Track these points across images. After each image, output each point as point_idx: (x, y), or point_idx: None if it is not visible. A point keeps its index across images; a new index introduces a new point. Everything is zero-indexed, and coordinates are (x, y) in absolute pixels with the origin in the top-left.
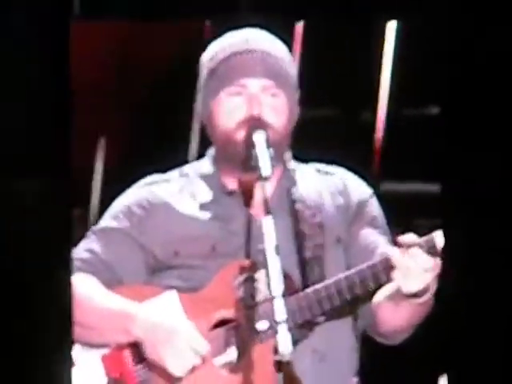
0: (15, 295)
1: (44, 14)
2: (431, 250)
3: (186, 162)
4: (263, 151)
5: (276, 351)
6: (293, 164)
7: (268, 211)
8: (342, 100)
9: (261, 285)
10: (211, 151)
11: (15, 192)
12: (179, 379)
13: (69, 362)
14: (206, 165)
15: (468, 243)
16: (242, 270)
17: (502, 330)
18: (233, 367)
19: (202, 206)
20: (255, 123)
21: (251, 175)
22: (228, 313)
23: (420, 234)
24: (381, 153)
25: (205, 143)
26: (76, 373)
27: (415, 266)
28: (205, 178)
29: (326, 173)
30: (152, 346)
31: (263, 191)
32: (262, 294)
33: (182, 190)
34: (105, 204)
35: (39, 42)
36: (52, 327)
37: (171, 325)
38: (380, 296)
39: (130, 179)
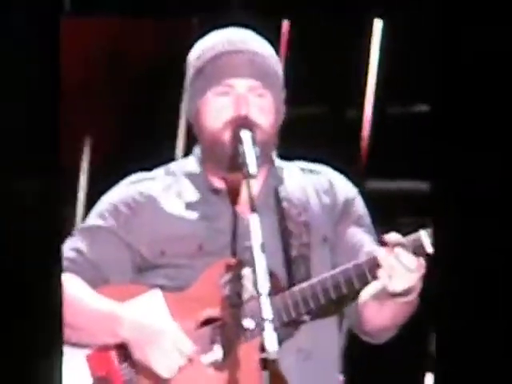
0: (9, 296)
1: (34, 10)
2: (416, 250)
3: (171, 160)
4: (249, 149)
5: (262, 349)
6: (279, 162)
7: (254, 209)
8: (328, 98)
9: (247, 283)
10: (197, 150)
11: (9, 192)
12: (165, 378)
13: (59, 361)
14: (192, 163)
15: (457, 242)
16: (229, 268)
17: (489, 329)
18: (219, 365)
19: (189, 205)
20: (242, 123)
21: (238, 174)
22: (214, 311)
23: (405, 233)
24: (367, 151)
25: (191, 141)
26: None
27: (400, 266)
28: (191, 176)
29: (311, 171)
30: (138, 348)
31: (249, 189)
32: (248, 292)
33: (168, 189)
34: (91, 202)
35: (30, 39)
36: (46, 328)
37: (157, 326)
38: (365, 295)
39: (115, 177)
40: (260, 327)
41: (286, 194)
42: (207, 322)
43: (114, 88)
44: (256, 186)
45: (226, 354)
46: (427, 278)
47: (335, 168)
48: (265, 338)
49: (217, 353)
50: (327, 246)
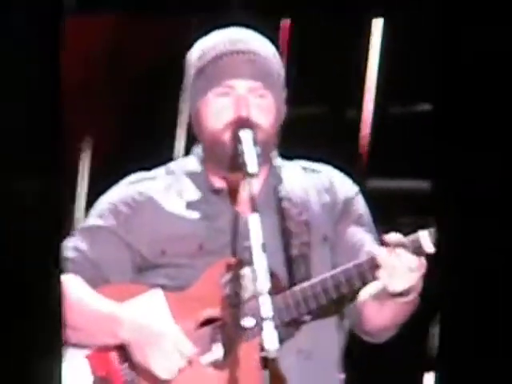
0: (9, 295)
1: (35, 9)
2: (417, 250)
3: (171, 159)
4: (250, 148)
5: (262, 349)
6: (279, 162)
7: (254, 209)
8: (328, 98)
9: (247, 283)
10: (197, 149)
11: (9, 192)
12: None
13: (59, 362)
14: (192, 163)
15: (459, 241)
16: (229, 268)
17: (490, 329)
18: (219, 365)
19: (189, 205)
20: (243, 124)
21: (238, 173)
22: (214, 311)
23: (406, 233)
24: (367, 150)
25: (191, 141)
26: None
27: (401, 266)
28: (191, 176)
29: (313, 170)
30: (139, 349)
31: (250, 189)
32: (248, 291)
33: (168, 188)
34: (91, 202)
35: (30, 38)
36: (46, 328)
37: (157, 328)
38: (365, 295)
39: (115, 177)
40: (260, 326)
41: (287, 193)
42: (207, 321)
43: (114, 88)
44: (256, 185)
45: (226, 354)
46: (428, 278)
47: (336, 167)
48: (265, 337)
49: (217, 352)
50: (327, 246)
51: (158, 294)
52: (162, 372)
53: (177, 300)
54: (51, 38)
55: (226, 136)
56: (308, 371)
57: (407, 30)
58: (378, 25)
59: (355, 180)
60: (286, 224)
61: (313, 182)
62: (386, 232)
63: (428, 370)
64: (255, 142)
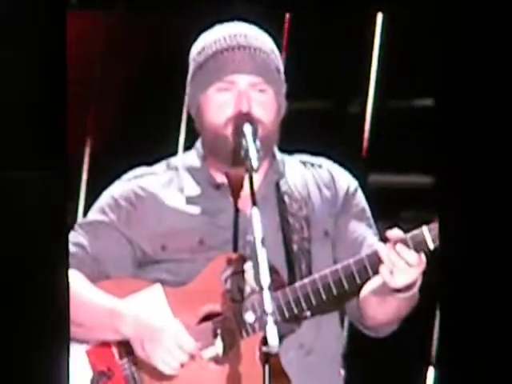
0: (15, 290)
1: (39, 5)
2: (417, 246)
3: (173, 154)
4: (251, 144)
5: (263, 344)
6: (279, 157)
7: (255, 203)
8: (330, 92)
9: (248, 278)
10: (198, 144)
11: (11, 184)
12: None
13: (66, 356)
14: (193, 158)
15: (462, 236)
16: (230, 263)
17: (493, 323)
18: (220, 360)
19: (190, 200)
20: (244, 119)
21: (239, 168)
22: (215, 306)
23: (407, 228)
24: (369, 145)
25: (191, 136)
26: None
27: (401, 262)
28: (192, 171)
29: (312, 165)
30: (141, 345)
31: (251, 184)
32: (249, 286)
33: (169, 184)
34: (92, 197)
35: (35, 32)
36: (52, 322)
37: (159, 323)
38: (366, 290)
39: (117, 172)
40: (261, 322)
41: (287, 187)
42: (208, 316)
43: (116, 83)
44: (257, 180)
45: (227, 349)
46: (430, 272)
47: (337, 162)
48: (266, 332)
49: (218, 347)
50: (328, 240)
51: (159, 289)
52: (164, 367)
53: (177, 295)
54: (56, 34)
55: (227, 131)
56: (309, 367)
57: (408, 25)
58: (379, 19)
59: (356, 175)
60: (287, 219)
61: (313, 176)
62: (388, 227)
63: (430, 364)
64: (256, 137)
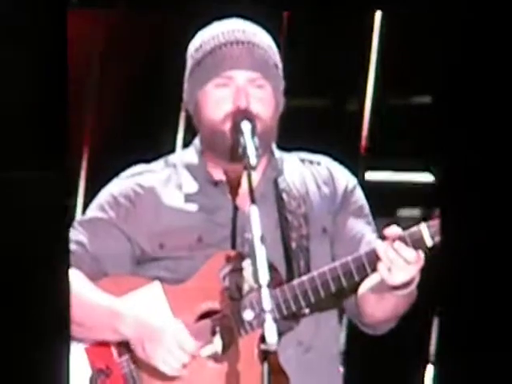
0: (12, 289)
1: (40, 2)
2: (416, 243)
3: (171, 151)
4: (249, 140)
5: (261, 341)
6: (278, 154)
7: (254, 201)
8: (329, 89)
9: (247, 275)
10: (196, 141)
11: (11, 184)
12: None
13: (66, 356)
14: (191, 155)
15: (462, 232)
16: (228, 260)
17: (491, 321)
18: (218, 358)
19: (188, 197)
20: (242, 115)
21: (238, 165)
22: (214, 304)
23: (406, 226)
24: (367, 143)
25: (190, 133)
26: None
27: (400, 259)
28: (190, 168)
29: (311, 162)
30: (141, 346)
31: (249, 181)
32: (247, 284)
33: (167, 181)
34: (91, 195)
35: (35, 31)
36: (50, 322)
37: (159, 324)
38: (364, 287)
39: (115, 169)
40: (260, 319)
41: (286, 185)
42: (207, 314)
43: (114, 81)
44: (255, 177)
45: (225, 347)
46: (429, 270)
47: (335, 159)
48: (264, 330)
49: (216, 345)
50: (327, 238)
51: (158, 286)
52: (165, 368)
53: (176, 292)
54: (56, 33)
55: (226, 127)
56: (307, 364)
57: (406, 23)
58: (378, 17)
59: (355, 173)
60: (285, 216)
61: (312, 174)
62: (386, 225)
63: (429, 362)
64: (254, 134)
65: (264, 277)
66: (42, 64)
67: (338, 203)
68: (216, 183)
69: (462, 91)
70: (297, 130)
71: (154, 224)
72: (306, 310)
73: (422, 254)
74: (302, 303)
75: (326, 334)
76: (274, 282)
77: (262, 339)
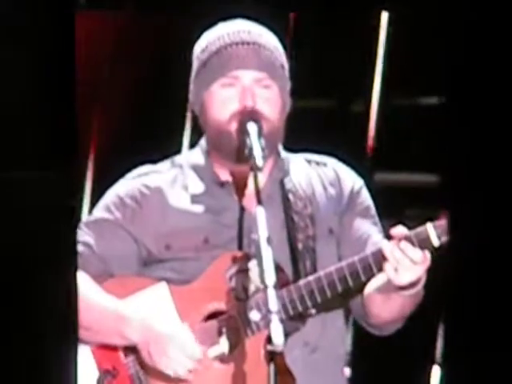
0: (12, 290)
1: (48, 5)
2: (422, 243)
3: (177, 152)
4: (256, 141)
5: (268, 342)
6: (284, 154)
7: (260, 202)
8: (335, 90)
9: (253, 276)
10: (203, 142)
11: (12, 184)
12: None
13: (74, 357)
14: (197, 155)
15: (469, 234)
16: (235, 261)
17: (498, 322)
18: (225, 358)
19: (194, 198)
20: (248, 115)
21: (244, 166)
22: (220, 304)
23: (412, 226)
24: (374, 143)
25: (197, 133)
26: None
27: (406, 259)
28: (197, 169)
29: (318, 163)
30: (146, 351)
31: (256, 182)
32: (254, 285)
33: (174, 182)
34: (97, 195)
35: (43, 32)
36: (57, 321)
37: (165, 330)
38: (371, 288)
39: (122, 170)
40: (266, 320)
41: (292, 186)
42: (213, 315)
43: (121, 82)
44: (262, 178)
45: (232, 347)
46: (435, 270)
47: (341, 160)
48: (271, 331)
49: (223, 346)
50: (333, 238)
51: (164, 287)
52: (170, 373)
53: (182, 293)
54: (65, 35)
55: (232, 127)
56: (314, 364)
57: (412, 24)
58: (383, 18)
59: (362, 173)
60: (292, 217)
61: (318, 174)
62: (393, 225)
63: (435, 363)
64: (261, 135)
65: (270, 278)
66: (47, 64)
67: (345, 204)
68: (222, 184)
69: (468, 91)
70: (303, 130)
71: (160, 225)
72: (313, 311)
73: (428, 254)
74: (309, 303)
75: (332, 335)
76: (281, 283)
77: (269, 340)
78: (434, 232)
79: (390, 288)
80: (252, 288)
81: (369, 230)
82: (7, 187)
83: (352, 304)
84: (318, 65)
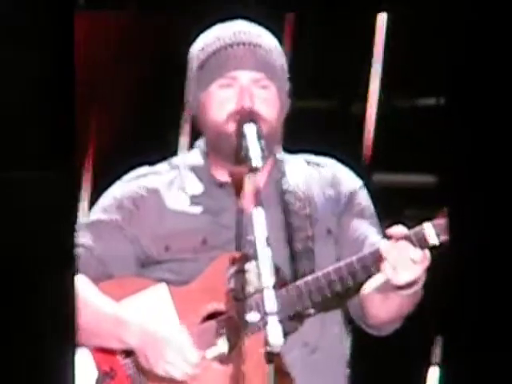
0: (17, 292)
1: (47, 5)
2: (421, 242)
3: (175, 153)
4: (254, 142)
5: (266, 343)
6: (283, 155)
7: (258, 202)
8: (334, 92)
9: (252, 277)
10: (201, 143)
11: (12, 184)
12: None
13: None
14: (195, 157)
15: (468, 234)
16: (233, 262)
17: (497, 322)
18: (224, 359)
19: (193, 199)
20: (246, 115)
21: (242, 167)
22: (219, 305)
23: (411, 226)
24: (373, 144)
25: (195, 134)
26: None
27: (404, 258)
28: (195, 170)
29: (316, 164)
30: (144, 356)
31: (254, 183)
32: (252, 286)
33: (172, 183)
34: (95, 197)
35: (43, 32)
36: (57, 325)
37: (163, 334)
38: (369, 288)
39: (121, 172)
40: (264, 321)
41: (290, 186)
42: (212, 315)
43: (122, 84)
44: (260, 178)
45: (230, 348)
46: (434, 269)
47: (340, 161)
48: (269, 332)
49: (222, 346)
50: (331, 239)
51: (163, 288)
52: (167, 376)
53: (181, 294)
54: (64, 35)
55: (230, 127)
56: (313, 365)
57: (412, 25)
58: (382, 19)
59: (360, 174)
60: (290, 218)
61: (316, 175)
62: (391, 226)
63: (433, 363)
64: (259, 136)
65: (269, 278)
66: (46, 64)
67: (343, 205)
68: (221, 185)
69: (467, 92)
70: (302, 131)
71: (158, 226)
72: (311, 311)
73: (427, 253)
74: (307, 303)
75: (331, 335)
76: (279, 284)
77: (267, 341)
78: (433, 231)
79: (388, 288)
80: (251, 289)
81: (367, 230)
82: (7, 187)
83: (350, 304)
84: (317, 65)
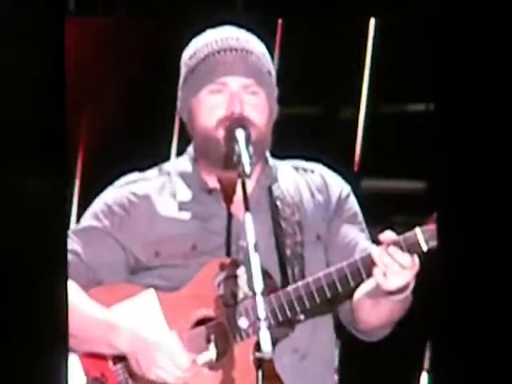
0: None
1: (39, 9)
2: (411, 248)
3: (166, 159)
4: (244, 148)
5: (256, 349)
6: (272, 161)
7: (248, 208)
8: (322, 97)
9: (241, 283)
10: (190, 149)
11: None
12: None
13: (64, 363)
14: (185, 163)
15: (458, 239)
16: (223, 268)
17: (487, 328)
18: (213, 365)
19: (182, 205)
20: (236, 121)
21: (231, 173)
22: (208, 311)
23: (400, 232)
24: (361, 150)
25: (184, 140)
26: None
27: (395, 264)
28: (184, 176)
29: (305, 170)
30: (135, 360)
31: (243, 189)
32: (242, 291)
33: (161, 189)
34: (85, 203)
35: (34, 38)
36: (50, 329)
37: (154, 339)
38: (359, 293)
39: (110, 178)
40: (254, 326)
41: (280, 192)
42: (202, 321)
43: (110, 89)
44: (249, 184)
45: (220, 354)
46: (424, 275)
47: (329, 167)
48: (259, 338)
49: (211, 352)
50: (321, 244)
51: (152, 294)
52: (159, 381)
53: (170, 300)
54: (55, 41)
55: (219, 133)
56: (303, 371)
57: (400, 30)
58: (370, 25)
59: (349, 180)
60: (279, 223)
61: (306, 181)
62: (380, 231)
63: (423, 369)
64: (249, 142)
65: (258, 284)
66: (40, 68)
67: (332, 210)
68: (210, 191)
69: (456, 98)
70: (290, 137)
71: (149, 232)
72: (301, 316)
73: (417, 259)
74: (297, 309)
75: (321, 341)
76: (269, 290)
77: (257, 346)
78: (423, 237)
79: (378, 293)
80: (240, 294)
81: (356, 236)
82: (2, 190)
83: (340, 310)
84: (306, 71)
